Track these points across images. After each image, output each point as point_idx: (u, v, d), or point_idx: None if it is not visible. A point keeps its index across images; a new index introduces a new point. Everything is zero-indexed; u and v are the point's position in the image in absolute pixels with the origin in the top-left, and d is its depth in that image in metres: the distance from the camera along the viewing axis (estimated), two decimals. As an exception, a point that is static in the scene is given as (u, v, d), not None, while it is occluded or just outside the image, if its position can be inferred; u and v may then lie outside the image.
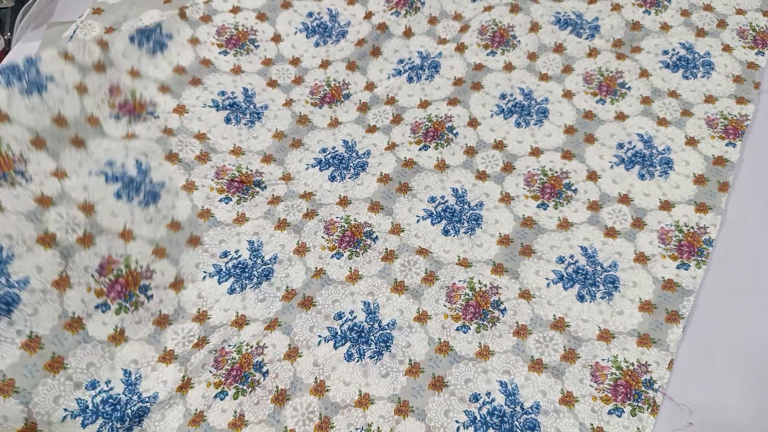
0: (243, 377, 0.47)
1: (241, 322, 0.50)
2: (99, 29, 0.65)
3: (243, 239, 0.54)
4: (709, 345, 0.49)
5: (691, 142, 0.58)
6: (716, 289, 0.51)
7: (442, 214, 0.56)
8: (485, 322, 0.50)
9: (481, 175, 0.58)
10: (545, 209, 0.55)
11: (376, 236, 0.54)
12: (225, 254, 0.53)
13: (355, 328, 0.50)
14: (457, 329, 0.50)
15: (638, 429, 0.44)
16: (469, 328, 0.50)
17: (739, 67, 0.63)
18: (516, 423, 0.46)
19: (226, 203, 0.56)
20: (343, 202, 0.56)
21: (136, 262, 0.50)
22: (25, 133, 0.46)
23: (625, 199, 0.55)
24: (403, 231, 0.55)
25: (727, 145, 0.57)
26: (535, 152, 0.59)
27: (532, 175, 0.57)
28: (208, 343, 0.48)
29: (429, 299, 0.52)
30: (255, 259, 0.53)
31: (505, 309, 0.51)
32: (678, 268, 0.51)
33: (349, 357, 0.49)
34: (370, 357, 0.49)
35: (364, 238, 0.54)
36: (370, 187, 0.57)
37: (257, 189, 0.57)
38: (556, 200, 0.56)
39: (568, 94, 0.62)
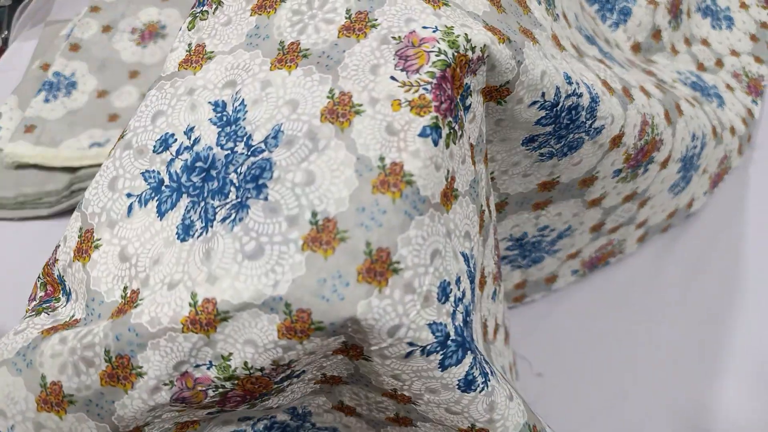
0: None
1: None
2: (96, 27, 0.64)
3: None
4: (711, 345, 0.48)
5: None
6: (717, 287, 0.51)
7: None
8: None
9: None
10: None
11: None
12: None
13: (198, 162, 0.28)
14: (423, 133, 0.25)
15: None
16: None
17: (754, 27, 0.63)
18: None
19: None
20: None
21: None
22: None
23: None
24: None
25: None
26: None
27: None
28: None
29: (356, 66, 0.27)
30: None
31: None
32: None
33: (186, 230, 0.27)
34: (224, 218, 0.26)
35: None
36: None
37: None
38: None
39: None
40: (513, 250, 0.47)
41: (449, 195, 0.27)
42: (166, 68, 0.31)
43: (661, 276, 0.53)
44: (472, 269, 0.28)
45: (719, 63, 0.61)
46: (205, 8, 0.31)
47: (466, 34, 0.27)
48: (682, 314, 0.51)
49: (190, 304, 0.24)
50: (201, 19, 0.31)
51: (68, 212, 0.55)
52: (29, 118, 0.58)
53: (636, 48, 0.58)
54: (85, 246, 0.28)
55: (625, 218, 0.50)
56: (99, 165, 0.55)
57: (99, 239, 0.28)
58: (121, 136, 0.30)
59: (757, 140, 0.58)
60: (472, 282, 0.28)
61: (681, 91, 0.52)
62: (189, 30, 0.32)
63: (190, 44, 0.31)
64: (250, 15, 0.31)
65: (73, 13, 0.68)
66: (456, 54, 0.26)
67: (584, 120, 0.35)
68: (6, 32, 0.73)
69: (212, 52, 0.31)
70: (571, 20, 0.42)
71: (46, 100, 0.60)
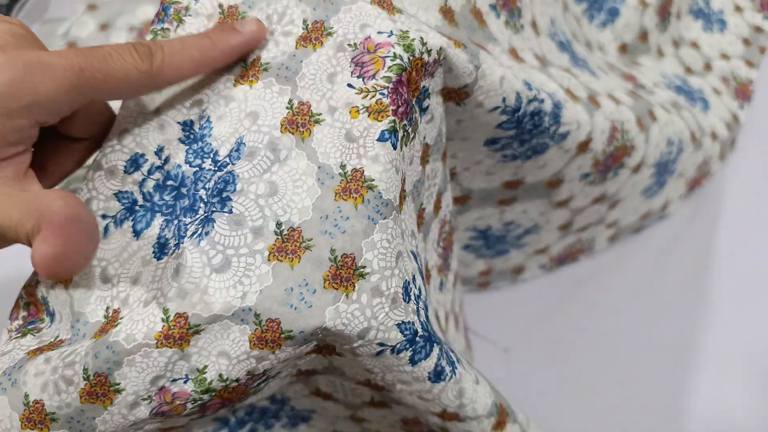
0: None
1: None
2: (93, 26, 0.64)
3: None
4: (713, 346, 0.48)
5: None
6: (718, 288, 0.51)
7: None
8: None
9: None
10: None
11: None
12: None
13: (170, 181, 0.28)
14: (382, 138, 0.26)
15: None
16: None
17: (747, 30, 0.62)
18: None
19: None
20: None
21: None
22: None
23: None
24: None
25: None
26: None
27: None
28: None
29: (314, 75, 0.28)
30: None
31: None
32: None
33: (161, 249, 0.27)
34: (192, 234, 0.26)
35: None
36: None
37: None
38: None
39: None
40: (477, 240, 0.48)
41: (402, 196, 0.27)
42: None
43: (630, 271, 0.54)
44: (420, 266, 0.29)
45: (708, 67, 0.60)
46: (166, 26, 0.31)
47: (421, 38, 0.27)
48: (652, 307, 0.52)
49: (162, 320, 0.25)
50: (162, 37, 0.31)
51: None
52: (25, 116, 0.58)
53: (623, 49, 0.58)
54: None
55: (594, 219, 0.50)
56: (96, 164, 0.55)
57: None
58: (93, 159, 0.30)
59: (740, 144, 0.58)
60: (422, 277, 0.29)
61: (659, 97, 0.51)
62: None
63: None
64: None
65: (70, 11, 0.67)
66: (411, 58, 0.26)
67: (548, 125, 0.34)
68: (3, 31, 0.73)
69: None
70: (544, 27, 0.41)
71: (43, 99, 0.59)
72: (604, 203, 0.49)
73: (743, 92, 0.58)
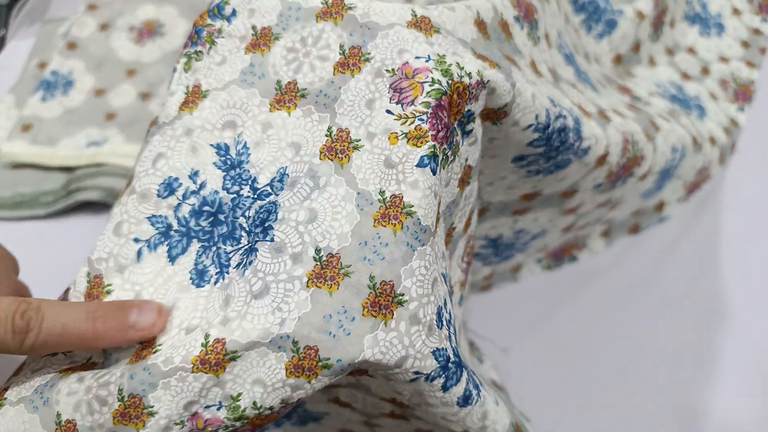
0: None
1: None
2: (94, 25, 0.64)
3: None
4: (713, 346, 0.48)
5: None
6: (718, 292, 0.51)
7: None
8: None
9: None
10: None
11: None
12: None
13: (206, 207, 0.29)
14: (422, 163, 0.26)
15: None
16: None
17: (746, 33, 0.62)
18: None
19: None
20: None
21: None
22: None
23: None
24: None
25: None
26: None
27: None
28: None
29: (352, 102, 0.28)
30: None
31: None
32: None
33: (200, 276, 0.28)
34: (238, 264, 0.27)
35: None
36: None
37: None
38: None
39: None
40: (487, 249, 0.48)
41: (438, 219, 0.27)
42: (167, 113, 0.31)
43: (630, 272, 0.55)
44: (448, 286, 0.29)
45: (705, 71, 0.60)
46: (199, 48, 0.31)
47: (458, 62, 0.27)
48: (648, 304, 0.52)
49: (202, 344, 0.25)
50: (196, 60, 0.31)
51: (65, 213, 0.55)
52: (26, 117, 0.58)
53: (618, 59, 0.58)
54: (96, 291, 0.28)
55: (593, 219, 0.51)
56: (96, 165, 0.55)
57: (110, 284, 0.28)
58: (128, 183, 0.30)
59: (739, 146, 0.58)
60: (450, 299, 0.29)
61: (656, 107, 0.52)
62: (186, 71, 0.32)
63: (188, 86, 0.31)
64: (245, 53, 0.31)
65: (70, 11, 0.67)
66: (450, 82, 0.26)
67: (572, 141, 0.35)
68: (3, 31, 0.73)
69: (207, 90, 0.31)
70: (553, 39, 0.41)
71: (43, 99, 0.60)
72: (607, 206, 0.49)
73: (744, 94, 0.58)
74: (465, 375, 0.27)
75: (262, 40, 0.30)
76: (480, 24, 0.31)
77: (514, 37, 0.34)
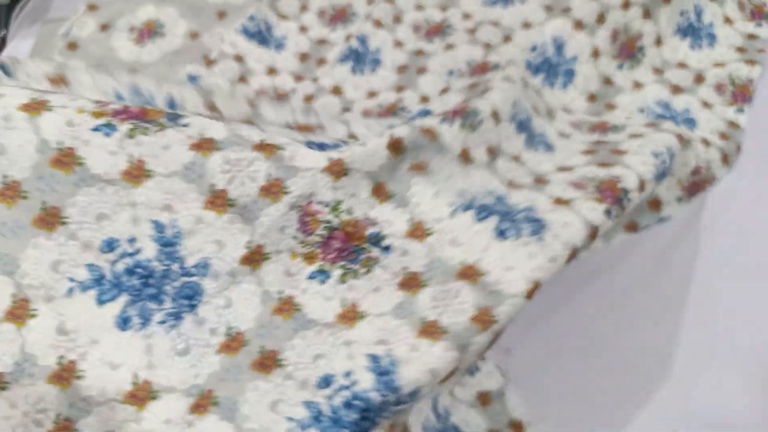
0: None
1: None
2: (94, 25, 0.64)
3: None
4: (713, 348, 0.48)
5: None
6: (717, 293, 0.51)
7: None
8: (355, 266, 0.36)
9: None
10: None
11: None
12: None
13: (139, 269, 0.35)
14: (312, 276, 0.36)
15: None
16: (330, 275, 0.36)
17: (740, 39, 0.62)
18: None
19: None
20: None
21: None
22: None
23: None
24: None
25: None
26: None
27: None
28: None
29: (269, 225, 0.35)
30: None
31: (388, 247, 0.36)
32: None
33: (124, 322, 0.34)
34: (161, 322, 0.34)
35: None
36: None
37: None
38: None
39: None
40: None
41: (350, 316, 0.35)
42: (107, 172, 0.36)
43: (629, 271, 0.55)
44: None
45: (699, 79, 0.60)
46: (147, 125, 0.36)
47: (349, 208, 0.36)
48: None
49: (132, 383, 0.33)
50: (142, 133, 0.36)
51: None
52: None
53: (592, 98, 0.59)
54: (20, 312, 0.34)
55: None
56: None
57: (36, 309, 0.34)
58: (62, 223, 0.35)
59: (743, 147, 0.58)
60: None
61: (633, 126, 0.52)
62: (130, 138, 0.36)
63: (131, 155, 0.36)
64: (188, 149, 0.36)
65: (70, 11, 0.67)
66: (341, 221, 0.36)
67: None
68: (4, 31, 0.73)
69: (152, 171, 0.36)
70: (505, 112, 0.44)
71: (44, 99, 0.59)
72: None
73: (743, 94, 0.58)
74: None
75: (205, 143, 0.36)
76: (394, 144, 0.38)
77: (441, 136, 0.39)
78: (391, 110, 0.53)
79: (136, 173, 0.35)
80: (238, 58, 0.63)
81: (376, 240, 0.37)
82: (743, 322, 0.49)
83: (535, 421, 0.44)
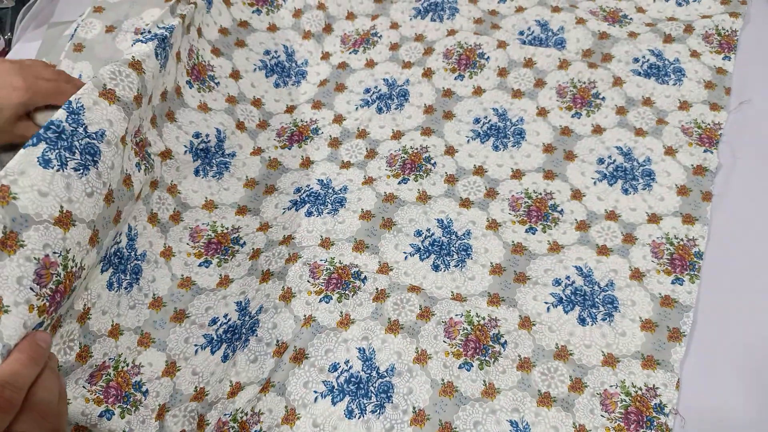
0: None
1: (236, 389, 0.48)
2: (100, 28, 0.64)
3: (230, 301, 0.53)
4: (710, 347, 0.48)
5: (670, 152, 0.57)
6: (714, 292, 0.50)
7: (430, 248, 0.54)
8: (487, 358, 0.48)
9: (465, 203, 0.56)
10: (534, 233, 0.54)
11: (365, 277, 0.52)
12: (213, 321, 0.52)
13: (353, 379, 0.47)
14: (460, 367, 0.48)
15: None
16: (472, 366, 0.48)
17: (708, 72, 0.62)
18: None
19: (207, 267, 0.55)
20: (326, 243, 0.54)
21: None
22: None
23: (612, 216, 0.54)
24: (392, 270, 0.53)
25: (704, 152, 0.57)
26: (517, 175, 0.58)
27: (516, 199, 0.56)
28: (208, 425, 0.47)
29: (427, 336, 0.49)
30: (243, 317, 0.52)
31: (505, 342, 0.49)
32: (673, 283, 0.50)
33: (349, 414, 0.46)
34: (372, 411, 0.46)
35: (352, 279, 0.52)
36: (352, 225, 0.55)
37: (236, 247, 0.56)
38: (543, 223, 0.54)
39: (542, 112, 0.61)
40: None
41: (490, 392, 0.47)
42: None
43: None
44: None
45: (661, 122, 0.60)
46: None
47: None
48: None
49: None
50: None
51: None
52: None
53: (549, 176, 0.58)
54: None
55: None
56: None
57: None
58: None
59: (735, 147, 0.58)
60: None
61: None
62: None
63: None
64: None
65: (76, 14, 0.68)
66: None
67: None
68: (9, 34, 0.73)
69: None
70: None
71: (50, 101, 0.60)
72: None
73: (710, 138, 0.58)
74: None
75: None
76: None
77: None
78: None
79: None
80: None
81: (496, 338, 0.49)
82: (740, 322, 0.49)
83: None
